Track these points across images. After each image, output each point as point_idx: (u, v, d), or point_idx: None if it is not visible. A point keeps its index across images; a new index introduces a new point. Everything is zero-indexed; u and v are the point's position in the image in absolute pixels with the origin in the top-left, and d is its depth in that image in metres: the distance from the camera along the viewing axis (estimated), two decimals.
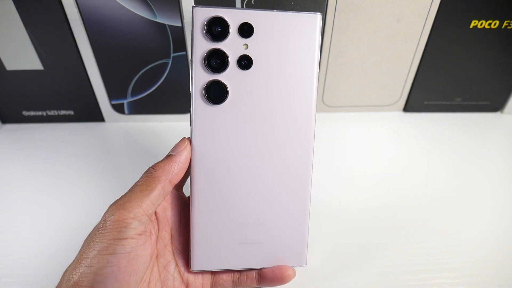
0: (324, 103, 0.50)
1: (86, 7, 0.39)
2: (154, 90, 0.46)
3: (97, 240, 0.23)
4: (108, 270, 0.22)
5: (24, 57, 0.43)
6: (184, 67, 0.44)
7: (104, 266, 0.22)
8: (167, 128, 0.49)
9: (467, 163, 0.44)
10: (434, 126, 0.49)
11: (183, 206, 0.30)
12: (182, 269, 0.29)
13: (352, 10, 0.41)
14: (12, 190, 0.41)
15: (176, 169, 0.26)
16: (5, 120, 0.51)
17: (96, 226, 0.24)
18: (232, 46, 0.26)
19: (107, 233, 0.23)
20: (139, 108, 0.48)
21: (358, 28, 0.42)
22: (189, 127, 0.27)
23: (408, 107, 0.51)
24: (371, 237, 0.36)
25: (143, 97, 0.47)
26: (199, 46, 0.26)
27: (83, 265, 0.22)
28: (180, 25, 0.40)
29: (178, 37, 0.41)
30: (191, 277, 0.29)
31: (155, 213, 0.27)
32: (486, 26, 0.43)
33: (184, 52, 0.43)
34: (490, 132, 0.49)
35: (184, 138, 0.27)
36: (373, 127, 0.49)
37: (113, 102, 0.48)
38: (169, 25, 0.40)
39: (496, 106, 0.51)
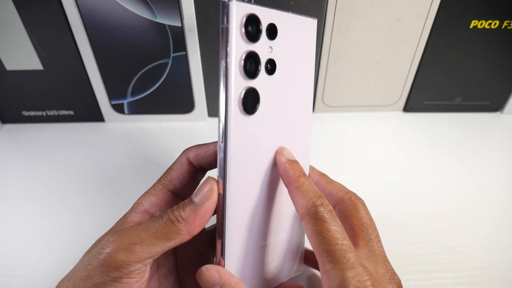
0: (324, 103, 0.50)
1: (86, 7, 0.39)
2: (154, 90, 0.46)
3: (96, 272, 0.21)
4: None
5: (24, 57, 0.43)
6: (184, 67, 0.44)
7: None
8: (167, 128, 0.49)
9: (467, 163, 0.44)
10: (434, 126, 0.49)
11: None
12: (184, 279, 0.28)
13: (352, 10, 0.41)
14: (12, 190, 0.41)
15: (200, 224, 0.23)
16: (5, 120, 0.50)
17: (97, 250, 0.22)
18: (262, 48, 0.24)
19: (106, 268, 0.21)
20: (139, 108, 0.48)
21: (358, 28, 0.42)
22: (218, 143, 0.23)
23: (408, 107, 0.51)
24: None
25: (143, 97, 0.47)
26: (236, 47, 0.22)
27: None
28: (180, 25, 0.40)
29: (178, 37, 0.41)
30: (191, 283, 0.28)
31: None
32: (486, 26, 0.43)
33: (184, 52, 0.43)
34: (490, 132, 0.49)
35: (210, 182, 0.23)
36: (373, 127, 0.49)
37: (113, 102, 0.48)
38: (169, 25, 0.40)
39: (496, 106, 0.51)
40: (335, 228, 0.21)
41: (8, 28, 0.41)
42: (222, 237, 0.24)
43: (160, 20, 0.40)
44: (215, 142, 0.27)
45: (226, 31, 0.22)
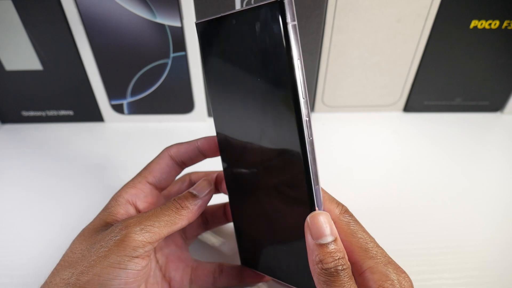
0: (324, 103, 0.50)
1: (85, 7, 0.39)
2: (153, 90, 0.46)
3: (113, 252, 0.23)
4: (115, 283, 0.23)
5: (23, 57, 0.43)
6: (184, 67, 0.44)
7: (114, 278, 0.23)
8: (166, 128, 0.49)
9: (467, 163, 0.44)
10: (434, 126, 0.49)
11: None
12: (163, 265, 0.29)
13: (352, 10, 0.41)
14: (11, 191, 0.41)
15: (198, 213, 0.27)
16: (5, 120, 0.50)
17: (113, 234, 0.24)
18: None
19: (123, 248, 0.23)
20: (138, 108, 0.48)
21: (358, 28, 0.42)
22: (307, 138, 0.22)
23: (408, 107, 0.51)
24: None
25: (143, 97, 0.47)
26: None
27: (91, 273, 0.23)
28: (179, 25, 0.40)
29: (178, 37, 0.41)
30: (172, 273, 0.30)
31: (139, 211, 0.28)
32: (486, 26, 0.43)
33: (184, 52, 0.43)
34: (491, 132, 0.49)
35: (209, 181, 0.28)
36: (373, 127, 0.49)
37: (113, 102, 0.48)
38: (168, 25, 0.40)
39: (496, 106, 0.51)
40: (364, 229, 0.24)
41: (8, 28, 0.41)
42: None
43: (159, 20, 0.40)
44: (197, 140, 0.29)
45: (295, 28, 0.21)
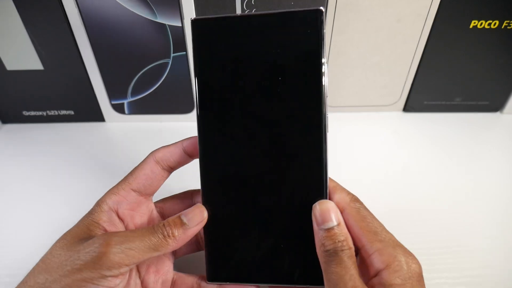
0: None
1: (86, 7, 0.39)
2: (154, 90, 0.46)
3: (88, 267, 0.23)
4: None
5: (24, 57, 0.43)
6: (184, 67, 0.44)
7: None
8: (167, 128, 0.49)
9: (467, 163, 0.44)
10: (434, 126, 0.49)
11: (149, 214, 0.30)
12: (143, 274, 0.28)
13: (352, 10, 0.41)
14: (12, 190, 0.41)
15: (185, 241, 0.25)
16: (5, 120, 0.51)
17: (92, 249, 0.23)
18: None
19: (99, 265, 0.23)
20: (139, 108, 0.48)
21: (358, 28, 0.42)
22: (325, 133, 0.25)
23: (408, 107, 0.51)
24: None
25: (143, 97, 0.47)
26: None
27: (63, 283, 0.23)
28: (180, 25, 0.40)
29: (178, 37, 0.41)
30: (151, 285, 0.28)
31: (121, 218, 0.28)
32: (486, 26, 0.43)
33: (184, 52, 0.43)
34: (490, 132, 0.49)
35: (201, 209, 0.26)
36: (373, 127, 0.49)
37: (113, 102, 0.48)
38: (169, 25, 0.40)
39: (496, 106, 0.51)
40: (373, 215, 0.25)
41: (9, 28, 0.41)
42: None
43: (160, 20, 0.40)
44: (181, 141, 0.28)
45: (325, 35, 0.24)
